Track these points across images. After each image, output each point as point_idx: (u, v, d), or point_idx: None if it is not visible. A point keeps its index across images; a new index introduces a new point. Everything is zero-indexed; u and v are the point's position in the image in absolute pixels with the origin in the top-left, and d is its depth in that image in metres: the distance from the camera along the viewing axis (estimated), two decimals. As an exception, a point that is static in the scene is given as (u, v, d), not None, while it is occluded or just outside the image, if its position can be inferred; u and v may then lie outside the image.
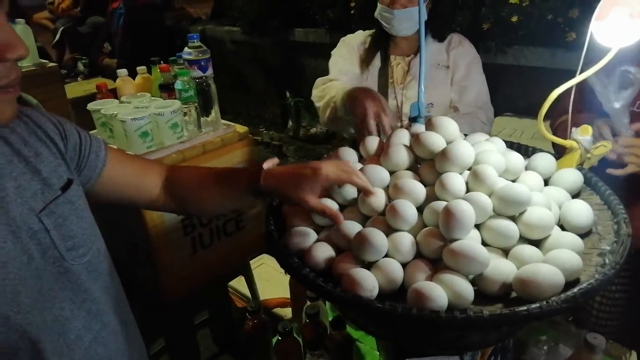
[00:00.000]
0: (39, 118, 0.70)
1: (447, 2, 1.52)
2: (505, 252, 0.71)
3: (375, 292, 0.66)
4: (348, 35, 1.54)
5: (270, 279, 1.95)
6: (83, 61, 4.39)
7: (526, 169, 0.86)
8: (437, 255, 0.69)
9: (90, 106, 1.35)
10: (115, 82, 1.53)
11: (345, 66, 1.46)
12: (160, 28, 3.59)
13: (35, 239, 0.63)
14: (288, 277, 1.28)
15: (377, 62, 1.45)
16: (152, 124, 1.28)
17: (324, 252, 0.73)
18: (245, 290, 1.82)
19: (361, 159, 0.93)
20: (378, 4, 1.36)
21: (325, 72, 1.48)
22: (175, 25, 4.48)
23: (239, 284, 1.87)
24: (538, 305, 0.58)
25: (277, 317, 1.77)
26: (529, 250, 0.69)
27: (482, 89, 1.43)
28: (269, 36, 3.84)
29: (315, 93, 1.43)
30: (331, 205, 0.78)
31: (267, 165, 0.79)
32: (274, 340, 1.04)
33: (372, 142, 0.94)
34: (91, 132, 1.42)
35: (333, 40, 3.57)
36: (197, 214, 1.01)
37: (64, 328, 0.66)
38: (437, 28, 1.40)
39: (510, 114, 2.55)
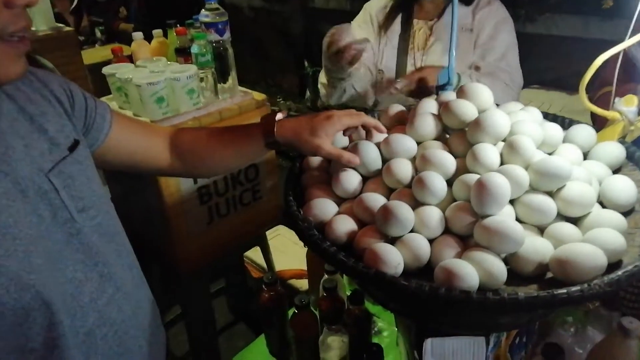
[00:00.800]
0: (45, 76, 0.68)
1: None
2: (542, 230, 0.66)
3: (400, 268, 0.62)
4: (370, 1, 1.46)
5: (286, 250, 1.94)
6: (100, 28, 4.35)
7: (564, 141, 0.80)
8: (467, 231, 0.65)
9: (105, 70, 1.31)
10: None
11: (359, 36, 1.39)
12: None
13: (45, 199, 0.62)
14: (304, 249, 1.26)
15: (396, 26, 1.37)
16: (168, 89, 1.24)
17: (345, 225, 0.70)
18: (261, 261, 1.81)
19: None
20: None
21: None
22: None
23: (255, 254, 1.86)
24: (579, 288, 0.53)
25: (292, 289, 1.76)
26: (567, 228, 0.64)
27: (511, 51, 1.31)
28: (288, 2, 3.73)
29: (321, 79, 1.37)
30: (352, 176, 0.74)
31: (279, 116, 0.80)
32: (290, 312, 1.02)
33: (395, 110, 0.89)
34: (107, 97, 1.39)
35: (354, 7, 3.47)
36: (207, 174, 1.00)
37: (78, 290, 0.65)
38: None
39: (538, 87, 2.44)
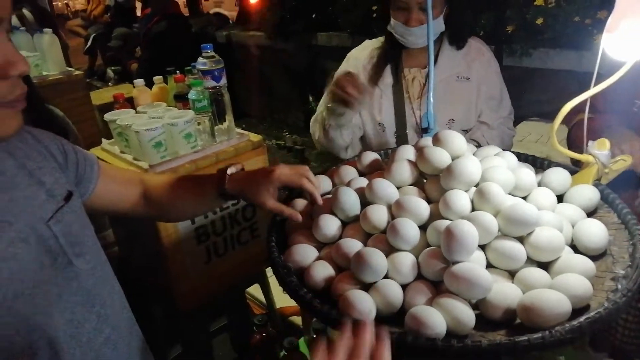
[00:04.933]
0: (40, 134, 0.73)
1: (466, 7, 1.43)
2: (512, 275, 0.68)
3: (372, 315, 0.64)
4: (353, 50, 1.45)
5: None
6: (113, 68, 4.54)
7: (540, 184, 0.82)
8: (438, 277, 0.67)
9: (107, 117, 1.37)
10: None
11: None
12: (185, 36, 3.63)
13: (46, 246, 0.65)
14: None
15: (387, 78, 1.34)
16: (166, 134, 1.29)
17: (323, 271, 0.72)
18: (262, 298, 1.82)
19: (362, 175, 0.91)
20: (392, 18, 1.26)
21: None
22: (202, 31, 4.56)
23: (256, 291, 1.87)
24: (540, 335, 0.55)
25: (293, 326, 1.76)
26: (536, 273, 0.66)
27: (507, 95, 1.36)
28: (292, 40, 3.85)
29: (315, 120, 1.40)
30: (331, 222, 0.78)
31: (230, 170, 0.86)
32: (281, 354, 1.03)
33: (370, 158, 0.92)
34: (110, 141, 1.45)
35: (355, 44, 3.56)
36: (175, 218, 1.06)
37: (77, 330, 0.68)
38: (455, 35, 1.30)
39: (536, 119, 2.47)
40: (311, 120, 1.43)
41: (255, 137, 1.48)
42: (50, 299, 0.64)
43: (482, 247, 0.70)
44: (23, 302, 0.60)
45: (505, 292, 0.63)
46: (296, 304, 1.79)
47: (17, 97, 0.59)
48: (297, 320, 1.80)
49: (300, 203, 0.88)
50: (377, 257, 0.68)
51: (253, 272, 1.59)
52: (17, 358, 0.59)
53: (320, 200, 0.81)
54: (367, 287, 0.68)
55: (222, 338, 1.96)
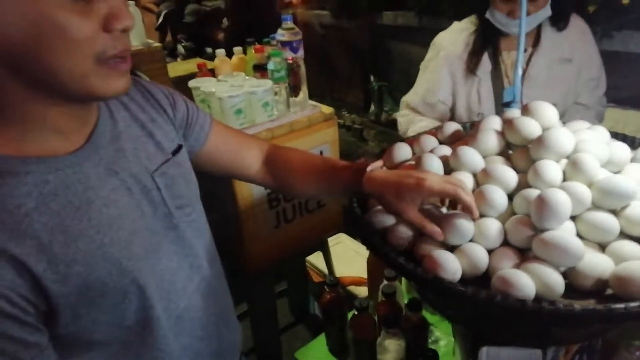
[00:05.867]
0: (152, 88, 0.77)
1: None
2: (603, 247, 0.67)
3: (458, 275, 0.65)
4: (443, 35, 1.36)
5: (346, 258, 1.99)
6: (183, 44, 4.72)
7: (632, 161, 0.80)
8: (526, 244, 0.67)
9: (191, 84, 1.45)
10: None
11: (435, 93, 1.31)
12: (267, 8, 3.62)
13: (149, 197, 0.69)
14: (365, 256, 1.31)
15: (486, 65, 1.28)
16: (246, 102, 1.35)
17: (406, 232, 0.74)
18: (322, 266, 1.88)
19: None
20: (493, 8, 1.19)
21: (413, 57, 1.46)
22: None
23: (316, 259, 1.93)
24: (638, 304, 0.55)
25: (351, 295, 1.81)
26: (629, 246, 0.65)
27: (604, 73, 1.30)
28: (356, 19, 3.83)
29: (400, 120, 1.40)
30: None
31: (371, 167, 0.78)
32: (350, 314, 1.07)
33: (452, 128, 0.92)
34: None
35: (422, 24, 3.49)
36: (290, 194, 1.05)
37: (172, 278, 0.72)
38: (558, 16, 1.21)
39: (613, 105, 2.33)
40: (398, 116, 1.43)
41: (327, 109, 1.52)
42: (147, 246, 0.68)
43: (572, 218, 0.69)
44: (119, 248, 0.63)
45: (597, 262, 0.62)
46: (354, 276, 1.84)
47: (119, 52, 0.57)
48: (355, 289, 1.85)
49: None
50: (464, 220, 0.69)
51: (317, 240, 1.64)
52: (107, 298, 0.62)
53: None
54: (451, 249, 0.69)
55: (281, 302, 2.05)
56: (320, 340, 1.15)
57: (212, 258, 0.83)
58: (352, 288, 1.84)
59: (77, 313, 0.60)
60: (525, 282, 0.60)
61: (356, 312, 1.00)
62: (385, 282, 1.05)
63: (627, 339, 0.91)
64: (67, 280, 0.57)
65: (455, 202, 0.75)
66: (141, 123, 0.73)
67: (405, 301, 1.07)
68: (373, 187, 0.75)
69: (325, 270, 1.82)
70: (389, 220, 0.78)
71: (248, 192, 1.37)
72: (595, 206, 0.69)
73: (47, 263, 0.56)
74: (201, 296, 0.78)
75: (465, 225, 0.68)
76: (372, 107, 4.00)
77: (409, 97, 1.45)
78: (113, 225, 0.63)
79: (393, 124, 3.99)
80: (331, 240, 1.90)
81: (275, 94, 1.41)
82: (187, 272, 0.75)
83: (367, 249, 0.76)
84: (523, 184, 0.74)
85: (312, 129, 1.48)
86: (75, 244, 0.59)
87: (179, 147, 0.76)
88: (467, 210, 0.69)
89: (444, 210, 0.74)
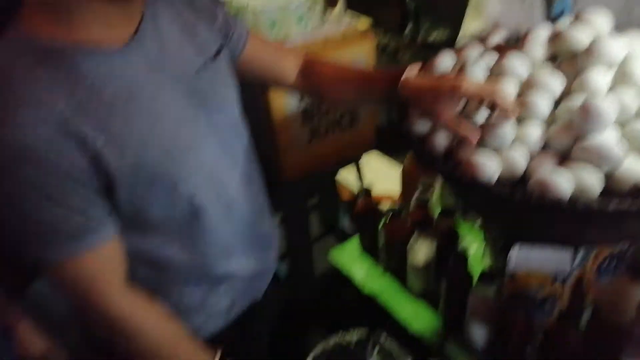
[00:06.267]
0: None
1: None
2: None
3: (496, 177, 0.68)
4: None
5: (378, 176, 2.03)
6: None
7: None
8: (567, 150, 0.68)
9: (225, -6, 1.42)
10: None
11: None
12: None
13: (190, 95, 0.72)
14: (396, 174, 1.35)
15: None
16: (280, 16, 1.33)
17: (445, 138, 0.76)
18: (353, 184, 1.93)
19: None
20: None
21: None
22: None
23: (347, 177, 1.98)
24: (672, 203, 0.57)
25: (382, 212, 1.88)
26: (671, 153, 0.65)
27: None
28: None
29: None
30: None
31: (407, 73, 0.78)
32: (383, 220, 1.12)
33: (497, 36, 0.90)
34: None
35: None
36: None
37: (216, 168, 0.77)
38: None
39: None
40: None
41: (362, 25, 1.48)
42: (191, 139, 0.72)
43: (616, 127, 0.69)
44: (167, 136, 0.68)
45: (636, 167, 0.64)
46: (385, 193, 1.89)
47: None
48: (387, 206, 1.91)
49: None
50: (503, 124, 0.70)
51: (349, 156, 1.67)
52: (159, 182, 0.68)
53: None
54: (490, 154, 0.71)
55: (312, 216, 2.14)
56: (354, 241, 1.22)
57: (249, 159, 0.88)
58: (383, 205, 1.90)
59: (133, 191, 0.66)
60: (562, 182, 0.63)
61: (390, 217, 1.05)
62: (419, 190, 1.09)
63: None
64: (123, 158, 0.63)
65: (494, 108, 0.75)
66: (184, 24, 0.74)
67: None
68: (409, 92, 0.75)
69: (355, 188, 1.88)
70: (427, 127, 0.80)
71: (282, 104, 1.39)
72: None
73: (105, 139, 0.61)
74: (244, 189, 0.84)
75: (505, 129, 0.70)
76: (408, 27, 3.82)
77: None
78: (160, 116, 0.68)
79: (430, 45, 3.84)
80: (364, 158, 1.94)
81: (310, 7, 1.38)
82: (229, 168, 0.81)
83: (407, 150, 0.78)
84: (568, 93, 0.74)
85: (347, 43, 1.45)
86: (130, 125, 0.64)
87: (219, 51, 0.78)
88: (504, 113, 0.69)
89: (485, 115, 0.75)
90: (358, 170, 1.78)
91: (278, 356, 1.23)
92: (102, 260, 0.67)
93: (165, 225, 0.74)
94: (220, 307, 0.88)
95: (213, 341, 0.86)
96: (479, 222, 1.19)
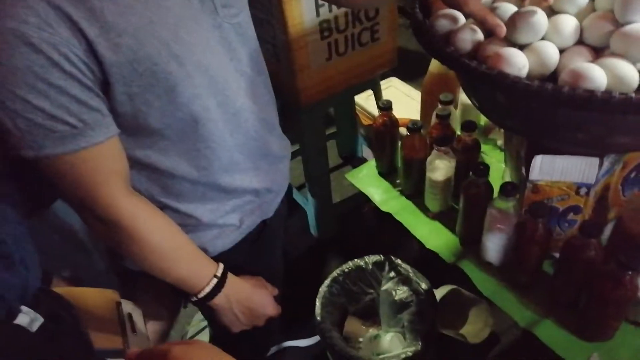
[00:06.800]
0: None
1: None
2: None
3: (525, 71, 0.63)
4: None
5: (397, 102, 1.96)
6: None
7: None
8: (603, 42, 0.62)
9: None
10: None
11: None
12: None
13: None
14: (415, 101, 1.28)
15: None
16: None
17: (472, 34, 0.70)
18: (372, 109, 1.87)
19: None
20: None
21: None
22: None
23: (366, 102, 1.92)
24: None
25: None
26: None
27: None
28: None
29: None
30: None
31: None
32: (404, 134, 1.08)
33: None
34: None
35: None
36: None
37: (222, 75, 0.73)
38: None
39: None
40: None
41: None
42: (194, 36, 0.68)
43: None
44: (167, 29, 0.64)
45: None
46: (405, 118, 1.82)
47: None
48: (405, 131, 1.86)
49: None
50: (537, 15, 0.63)
51: (369, 75, 1.60)
52: (158, 80, 0.65)
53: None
54: (521, 49, 0.65)
55: (330, 144, 2.11)
56: (370, 165, 1.19)
57: (257, 68, 0.83)
58: (401, 130, 1.85)
59: (130, 90, 0.63)
60: (597, 74, 0.57)
61: (408, 133, 1.01)
62: (439, 105, 1.04)
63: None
64: (118, 50, 0.60)
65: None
66: None
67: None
68: None
69: (375, 112, 1.82)
70: (452, 24, 0.73)
71: (299, 19, 1.31)
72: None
73: (100, 29, 0.58)
74: (251, 101, 0.80)
75: (538, 19, 0.63)
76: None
77: None
78: (161, 6, 0.64)
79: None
80: (383, 84, 1.87)
81: None
82: (233, 75, 0.76)
83: (428, 52, 0.73)
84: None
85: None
86: (126, 16, 0.60)
87: None
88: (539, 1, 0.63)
89: (514, 8, 0.69)
90: (376, 93, 1.71)
91: (295, 277, 1.25)
92: (102, 158, 0.65)
93: (166, 134, 0.71)
94: (230, 223, 0.86)
95: (225, 256, 0.86)
96: (499, 140, 1.14)
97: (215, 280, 0.78)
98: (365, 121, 1.95)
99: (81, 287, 0.77)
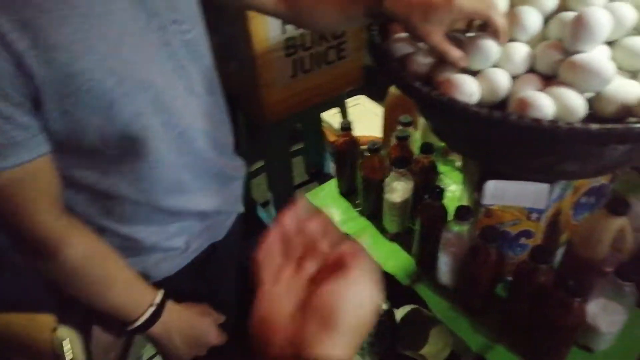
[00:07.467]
0: None
1: None
2: (634, 77, 0.62)
3: (475, 98, 0.63)
4: None
5: (363, 120, 1.97)
6: None
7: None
8: (553, 70, 0.63)
9: None
10: None
11: None
12: None
13: (142, 4, 0.64)
14: (381, 115, 1.28)
15: None
16: None
17: (426, 59, 0.70)
18: (338, 125, 1.87)
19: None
20: None
21: None
22: None
23: (333, 119, 1.92)
24: (659, 124, 0.52)
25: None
26: (665, 74, 0.60)
27: None
28: None
29: None
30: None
31: None
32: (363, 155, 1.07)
33: None
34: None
35: None
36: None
37: (167, 95, 0.68)
38: None
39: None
40: None
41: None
42: (138, 53, 0.64)
43: (609, 44, 0.64)
44: (107, 44, 0.60)
45: (624, 86, 0.59)
46: (371, 135, 1.82)
47: None
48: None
49: None
50: (489, 41, 0.64)
51: (335, 93, 1.61)
52: (93, 97, 0.60)
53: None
54: (473, 75, 0.66)
55: (297, 161, 2.10)
56: (331, 184, 1.18)
57: (209, 87, 0.79)
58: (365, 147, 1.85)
59: (64, 107, 0.59)
60: (544, 102, 0.58)
61: (368, 154, 1.00)
62: (399, 127, 1.04)
63: (635, 189, 0.91)
64: (50, 64, 0.56)
65: (484, 27, 0.69)
66: None
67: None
68: (397, 7, 0.68)
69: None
70: (409, 48, 0.74)
71: (264, 36, 1.31)
72: (638, 32, 0.63)
73: (31, 41, 0.54)
74: (201, 120, 0.76)
75: (491, 47, 0.64)
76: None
77: None
78: (102, 20, 0.60)
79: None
80: (351, 102, 1.87)
81: None
82: (182, 94, 0.72)
83: (383, 75, 0.73)
84: (561, 8, 0.68)
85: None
86: (60, 28, 0.56)
87: None
88: (496, 34, 0.64)
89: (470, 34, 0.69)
90: (343, 111, 1.72)
91: (248, 299, 1.21)
92: (31, 177, 0.60)
93: (105, 153, 0.66)
94: (175, 246, 0.82)
95: (170, 281, 0.82)
96: (458, 162, 1.15)
97: (152, 309, 0.74)
98: (332, 138, 1.95)
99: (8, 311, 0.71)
